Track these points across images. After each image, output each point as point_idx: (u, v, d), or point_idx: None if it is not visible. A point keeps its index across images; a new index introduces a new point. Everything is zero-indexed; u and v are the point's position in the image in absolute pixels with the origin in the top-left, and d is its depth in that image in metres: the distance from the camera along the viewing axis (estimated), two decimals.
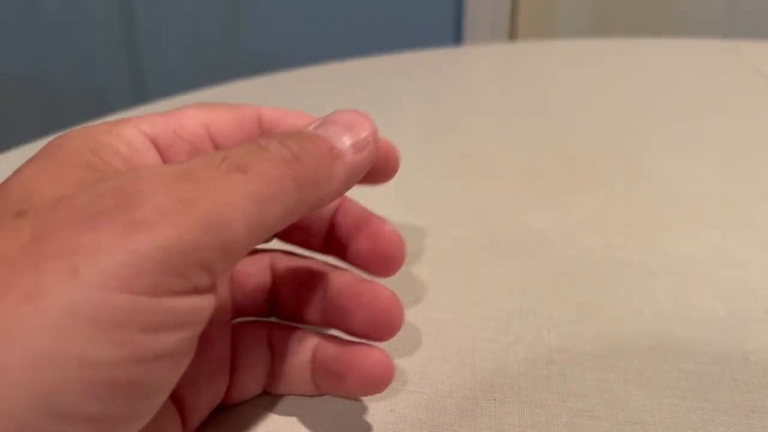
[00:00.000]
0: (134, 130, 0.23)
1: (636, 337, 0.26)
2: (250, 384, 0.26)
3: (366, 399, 0.25)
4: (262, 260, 0.27)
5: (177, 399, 0.24)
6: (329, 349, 0.25)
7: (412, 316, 0.29)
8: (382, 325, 0.24)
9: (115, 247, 0.17)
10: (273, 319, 0.27)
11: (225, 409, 0.26)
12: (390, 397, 0.25)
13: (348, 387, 0.24)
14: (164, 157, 0.24)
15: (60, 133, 0.23)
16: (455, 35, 1.31)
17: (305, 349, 0.26)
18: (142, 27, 1.29)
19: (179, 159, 0.24)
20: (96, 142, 0.22)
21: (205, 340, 0.24)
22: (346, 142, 0.23)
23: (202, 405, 0.25)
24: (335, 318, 0.25)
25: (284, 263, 0.27)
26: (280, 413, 0.25)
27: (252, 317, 0.27)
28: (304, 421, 0.25)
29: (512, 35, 1.28)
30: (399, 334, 0.24)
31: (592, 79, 0.51)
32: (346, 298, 0.25)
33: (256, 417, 0.25)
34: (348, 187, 0.23)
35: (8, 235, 0.18)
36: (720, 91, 0.46)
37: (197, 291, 0.19)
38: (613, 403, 0.23)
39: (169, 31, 1.29)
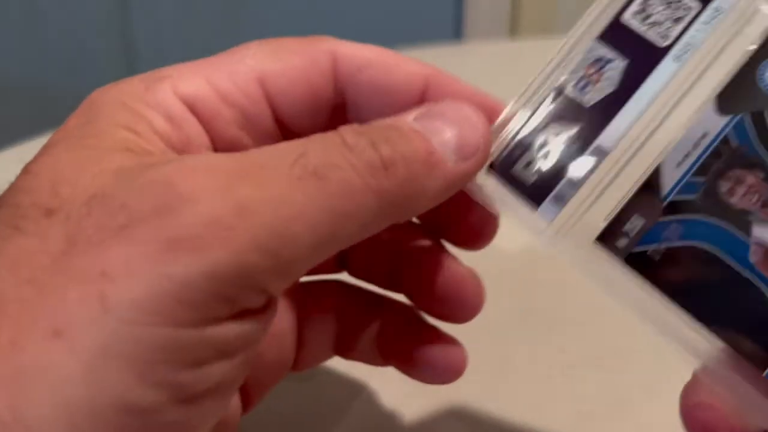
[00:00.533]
0: (171, 95, 0.18)
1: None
2: (319, 352, 0.24)
3: None
4: None
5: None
6: (400, 328, 0.22)
7: None
8: (461, 308, 0.22)
9: (149, 270, 0.14)
10: (344, 275, 0.24)
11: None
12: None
13: (417, 374, 0.22)
14: (208, 130, 0.19)
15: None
16: (455, 31, 1.30)
17: (374, 319, 0.23)
18: (140, 27, 1.28)
19: (227, 133, 0.19)
20: (131, 114, 0.18)
21: None
22: (449, 144, 0.19)
23: (268, 379, 0.22)
24: (408, 288, 0.22)
25: None
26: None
27: (320, 274, 0.24)
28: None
29: (513, 32, 1.26)
30: None
31: None
32: (426, 271, 0.22)
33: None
34: (441, 200, 0.19)
35: (37, 243, 0.15)
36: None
37: (247, 314, 0.16)
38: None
39: (168, 32, 1.28)
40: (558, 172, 0.20)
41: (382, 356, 0.23)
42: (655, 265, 0.19)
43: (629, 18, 0.20)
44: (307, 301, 0.23)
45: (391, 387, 0.25)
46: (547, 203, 0.20)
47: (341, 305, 0.23)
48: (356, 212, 0.17)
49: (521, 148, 0.20)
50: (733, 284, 0.19)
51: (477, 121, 0.19)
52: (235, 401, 0.21)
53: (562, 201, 0.20)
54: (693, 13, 0.20)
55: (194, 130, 0.19)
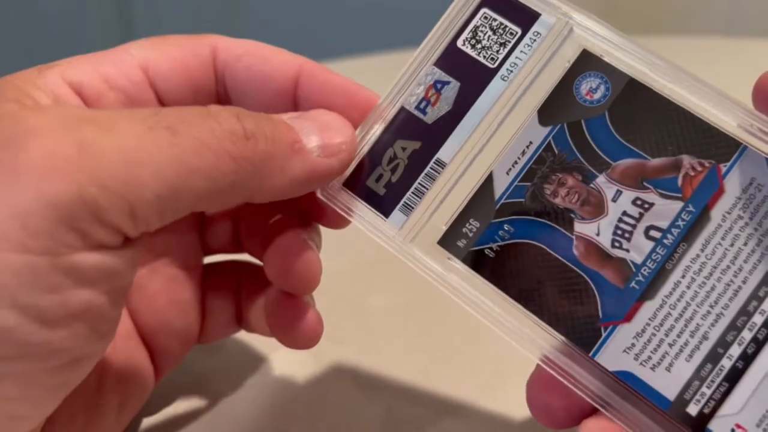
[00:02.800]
0: (59, 79, 0.20)
1: None
2: (222, 324, 0.25)
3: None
4: None
5: (148, 344, 0.24)
6: (272, 298, 0.24)
7: None
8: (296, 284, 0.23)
9: None
10: (245, 256, 0.26)
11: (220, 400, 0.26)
12: None
13: (281, 338, 0.24)
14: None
15: None
16: None
17: (264, 292, 0.25)
18: (139, 27, 1.26)
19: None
20: (20, 92, 0.19)
21: (174, 285, 0.24)
22: (314, 141, 0.20)
23: (175, 347, 0.24)
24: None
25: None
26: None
27: (223, 255, 0.26)
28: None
29: None
30: None
31: None
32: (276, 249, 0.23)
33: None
34: (301, 190, 0.21)
35: None
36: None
37: (104, 247, 0.17)
38: None
39: (168, 32, 1.26)
40: (405, 183, 0.22)
41: (269, 327, 0.24)
42: (491, 262, 0.21)
43: (461, 44, 0.23)
44: (210, 276, 0.25)
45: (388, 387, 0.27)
46: (396, 212, 0.22)
47: (239, 281, 0.25)
48: (207, 170, 0.17)
49: (372, 163, 0.22)
50: (559, 276, 0.21)
51: (341, 126, 0.22)
52: (147, 369, 0.23)
53: (409, 210, 0.22)
54: (516, 37, 0.23)
55: None
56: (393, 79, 0.23)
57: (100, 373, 0.22)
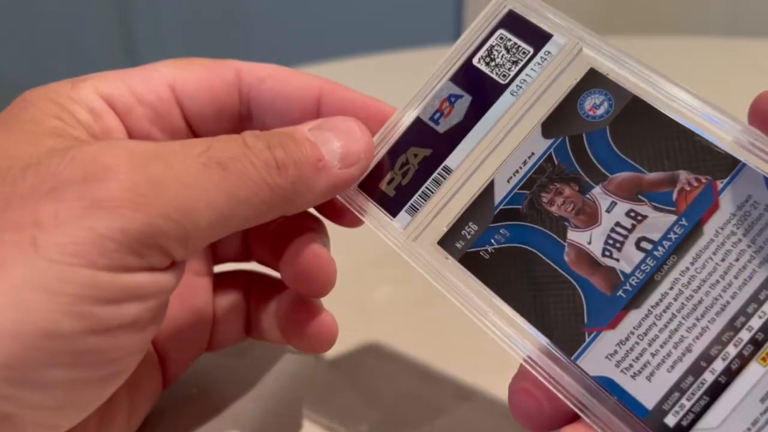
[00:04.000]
0: (92, 93, 0.22)
1: None
2: (231, 332, 0.26)
3: None
4: None
5: (159, 350, 0.25)
6: (286, 303, 0.25)
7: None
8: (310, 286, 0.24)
9: (76, 222, 0.17)
10: (253, 265, 0.27)
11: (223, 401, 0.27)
12: None
13: (297, 343, 0.24)
14: (124, 122, 0.23)
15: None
16: (455, 33, 1.28)
17: (274, 301, 0.25)
18: (140, 27, 1.29)
19: (140, 126, 0.23)
20: (58, 106, 0.21)
21: (186, 293, 0.25)
22: (336, 152, 0.22)
23: (185, 355, 0.25)
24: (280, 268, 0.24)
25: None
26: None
27: (232, 263, 0.27)
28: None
29: None
30: None
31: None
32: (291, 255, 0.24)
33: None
34: (327, 198, 0.23)
35: None
36: (722, 90, 0.43)
37: (155, 269, 0.19)
38: None
39: (168, 32, 1.29)
40: (413, 187, 0.24)
41: (281, 334, 0.26)
42: (485, 263, 0.22)
43: (477, 62, 0.24)
44: (222, 286, 0.26)
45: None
46: (402, 213, 0.24)
47: (249, 289, 0.27)
48: (251, 199, 0.20)
49: (386, 167, 0.24)
50: (549, 280, 0.22)
51: (360, 136, 0.23)
52: (157, 375, 0.25)
53: (414, 211, 0.23)
54: (528, 56, 0.24)
55: (113, 122, 0.22)
56: (397, 81, 0.24)
57: None
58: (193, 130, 0.24)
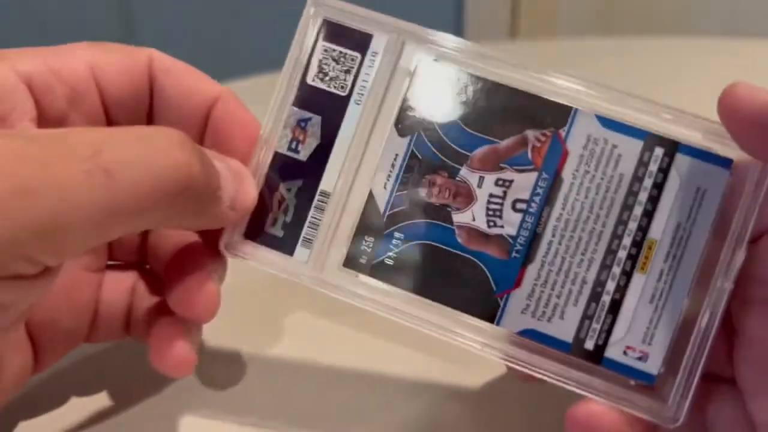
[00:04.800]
0: (8, 70, 0.21)
1: None
2: (110, 328, 0.26)
3: None
4: None
5: (33, 337, 0.24)
6: (159, 312, 0.24)
7: None
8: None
9: None
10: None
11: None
12: None
13: (154, 357, 0.24)
14: (39, 102, 0.22)
15: None
16: (455, 32, 1.27)
17: (153, 306, 0.25)
18: (141, 27, 1.21)
19: (58, 106, 0.22)
20: None
21: (71, 287, 0.24)
22: (229, 191, 0.22)
23: (60, 344, 0.25)
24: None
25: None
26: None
27: (123, 261, 0.27)
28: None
29: (513, 34, 1.25)
30: None
31: (593, 79, 0.50)
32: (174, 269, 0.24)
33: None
34: (202, 229, 0.23)
35: None
36: (721, 91, 0.47)
37: (21, 278, 0.18)
38: None
39: (169, 32, 1.21)
40: (299, 220, 0.24)
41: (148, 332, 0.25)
42: (392, 269, 0.24)
43: (311, 80, 0.25)
44: (109, 285, 0.26)
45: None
46: (299, 248, 0.24)
47: (136, 289, 0.26)
48: (138, 210, 0.19)
49: (264, 210, 0.25)
50: (452, 264, 0.24)
51: (250, 182, 0.23)
52: (27, 360, 0.24)
53: (310, 243, 0.24)
54: (358, 62, 0.24)
55: (22, 102, 0.21)
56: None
57: None
58: (109, 115, 0.24)
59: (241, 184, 0.23)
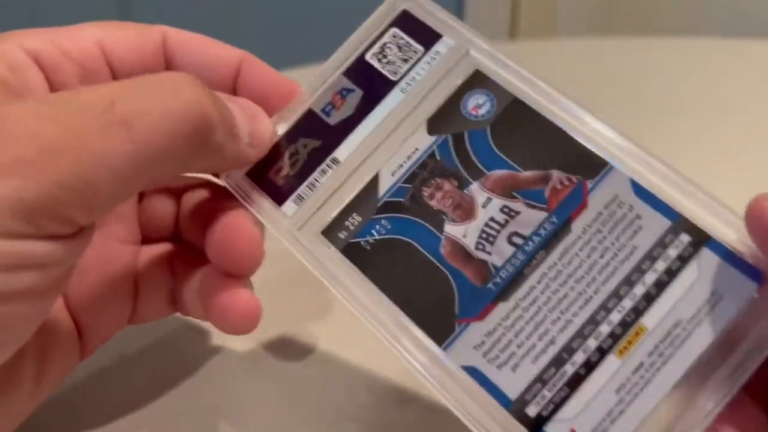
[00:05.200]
0: (15, 48, 0.21)
1: None
2: (155, 306, 0.25)
3: None
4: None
5: (76, 319, 0.24)
6: (207, 281, 0.24)
7: None
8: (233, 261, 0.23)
9: None
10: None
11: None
12: None
13: (217, 322, 0.23)
14: (50, 79, 0.22)
15: None
16: None
17: (198, 272, 0.25)
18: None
19: (67, 84, 0.22)
20: None
21: (107, 261, 0.24)
22: (245, 128, 0.22)
23: (105, 326, 0.24)
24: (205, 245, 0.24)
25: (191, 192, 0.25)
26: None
27: (160, 240, 0.26)
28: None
29: (513, 34, 1.25)
30: None
31: (593, 79, 0.49)
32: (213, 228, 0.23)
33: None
34: (222, 170, 0.23)
35: None
36: (723, 91, 0.44)
37: (54, 237, 0.18)
38: None
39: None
40: (301, 177, 0.24)
41: (204, 309, 0.24)
42: (365, 254, 0.23)
43: (369, 57, 0.25)
44: (146, 256, 0.25)
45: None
46: (289, 202, 0.24)
47: (174, 261, 0.26)
48: (161, 157, 0.19)
49: (276, 157, 0.24)
50: (425, 271, 0.22)
51: (267, 122, 0.23)
52: (71, 343, 0.24)
53: (301, 201, 0.24)
54: (419, 55, 0.24)
55: (34, 77, 0.22)
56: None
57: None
58: None
59: (256, 121, 0.23)
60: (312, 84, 0.25)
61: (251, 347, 0.29)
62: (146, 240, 0.27)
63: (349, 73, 0.25)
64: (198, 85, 0.20)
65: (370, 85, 0.24)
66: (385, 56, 0.25)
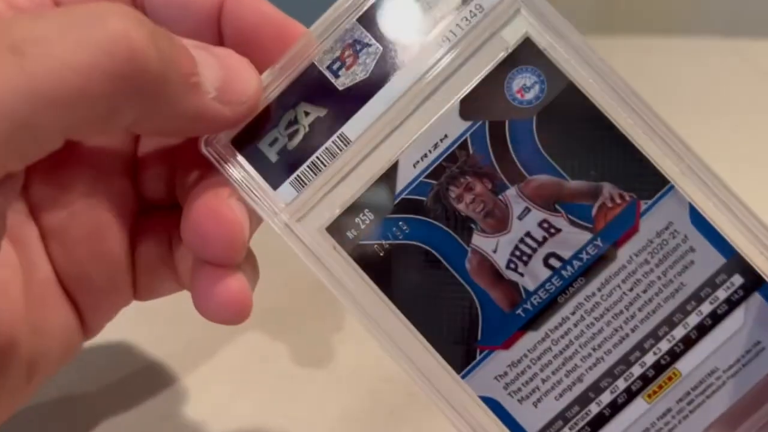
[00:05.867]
0: None
1: None
2: (158, 281, 0.23)
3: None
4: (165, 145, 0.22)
5: (71, 297, 0.22)
6: (196, 260, 0.21)
7: None
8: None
9: None
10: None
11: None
12: None
13: (200, 310, 0.20)
14: None
15: None
16: None
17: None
18: None
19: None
20: None
21: (97, 232, 0.21)
22: (214, 78, 0.18)
23: (102, 303, 0.22)
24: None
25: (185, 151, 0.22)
26: None
27: (159, 207, 0.23)
28: None
29: None
30: None
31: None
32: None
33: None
34: (187, 131, 0.19)
35: None
36: (723, 92, 0.44)
37: None
38: None
39: None
40: (302, 154, 0.20)
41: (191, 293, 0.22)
42: (379, 260, 0.20)
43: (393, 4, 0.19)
44: (143, 227, 0.22)
45: None
46: (286, 185, 0.20)
47: (173, 233, 0.22)
48: (71, 98, 0.15)
49: (269, 124, 0.20)
50: (446, 288, 0.19)
51: (250, 76, 0.19)
52: (68, 324, 0.21)
53: (302, 186, 0.20)
54: (454, 4, 0.19)
55: None
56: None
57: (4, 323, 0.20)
58: None
59: (232, 72, 0.18)
60: (316, 29, 0.20)
61: (251, 347, 0.28)
62: (144, 208, 0.23)
63: (365, 20, 0.20)
64: (131, 17, 0.16)
65: (391, 41, 0.19)
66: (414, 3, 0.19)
